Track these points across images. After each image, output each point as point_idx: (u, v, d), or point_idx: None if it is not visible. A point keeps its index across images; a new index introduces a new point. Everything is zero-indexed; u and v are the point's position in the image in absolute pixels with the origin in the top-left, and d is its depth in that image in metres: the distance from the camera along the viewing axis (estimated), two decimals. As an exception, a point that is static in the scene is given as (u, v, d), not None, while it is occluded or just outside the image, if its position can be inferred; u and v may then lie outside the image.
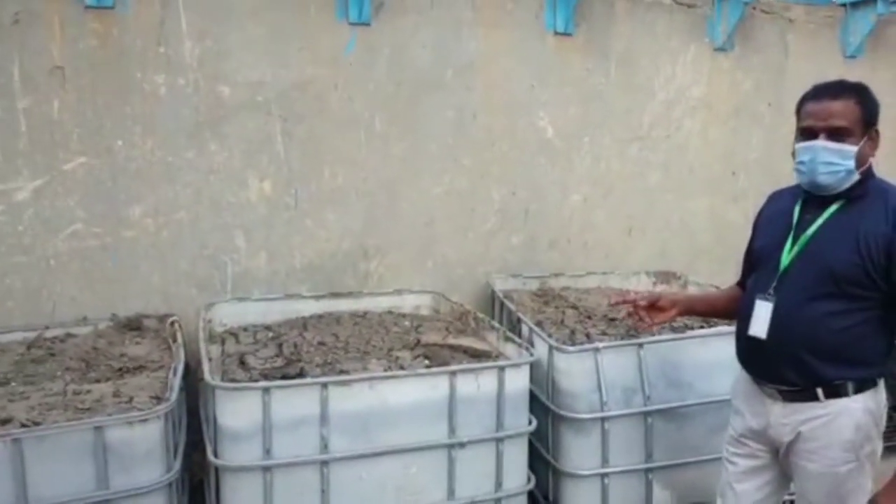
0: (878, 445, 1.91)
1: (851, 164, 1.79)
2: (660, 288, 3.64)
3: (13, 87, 2.70)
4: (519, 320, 2.87)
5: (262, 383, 2.09)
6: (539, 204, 3.57)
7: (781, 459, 1.97)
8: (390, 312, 3.12)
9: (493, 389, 2.30)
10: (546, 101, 3.51)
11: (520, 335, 2.74)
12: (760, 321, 1.89)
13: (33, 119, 2.73)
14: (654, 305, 2.25)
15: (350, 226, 3.23)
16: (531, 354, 2.43)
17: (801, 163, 1.84)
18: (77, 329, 2.70)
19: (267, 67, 3.02)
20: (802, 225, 1.89)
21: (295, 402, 2.07)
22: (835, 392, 1.84)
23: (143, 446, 1.88)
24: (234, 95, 2.99)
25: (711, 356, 2.61)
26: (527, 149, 3.51)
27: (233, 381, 2.17)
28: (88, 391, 2.06)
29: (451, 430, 2.25)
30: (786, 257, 1.88)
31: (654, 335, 2.67)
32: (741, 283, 2.17)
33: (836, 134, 1.79)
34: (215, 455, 2.07)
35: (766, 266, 1.94)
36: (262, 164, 3.06)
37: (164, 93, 2.90)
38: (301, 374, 2.27)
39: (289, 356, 2.46)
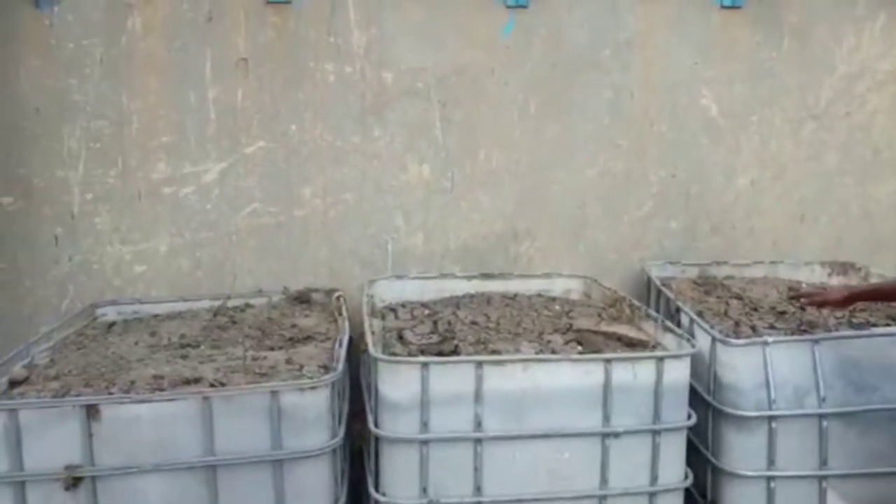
0: None
1: None
2: (835, 281, 3.34)
3: (205, 78, 2.97)
4: (678, 310, 2.75)
5: (422, 358, 2.17)
6: (701, 187, 3.39)
7: None
8: (540, 295, 3.10)
9: (650, 380, 2.23)
10: (710, 78, 3.32)
11: (678, 326, 2.62)
12: None
13: (221, 107, 2.99)
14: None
15: (502, 208, 3.25)
16: (693, 346, 2.33)
17: None
18: (254, 300, 2.93)
19: (427, 53, 3.10)
20: None
21: (451, 379, 2.13)
22: None
23: (313, 412, 2.00)
24: (397, 82, 3.09)
25: (904, 356, 2.36)
26: (688, 129, 3.34)
27: (394, 354, 2.27)
28: (265, 357, 2.24)
29: (605, 419, 2.21)
30: None
31: (830, 330, 2.48)
32: None
33: None
34: (376, 425, 2.18)
35: None
36: (422, 148, 3.15)
37: (333, 80, 3.06)
38: (455, 352, 2.32)
39: (443, 333, 2.52)
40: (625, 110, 3.28)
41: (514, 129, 3.21)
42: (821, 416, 2.37)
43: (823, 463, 2.39)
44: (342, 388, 2.28)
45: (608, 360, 2.21)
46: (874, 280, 3.19)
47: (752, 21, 3.33)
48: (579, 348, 2.43)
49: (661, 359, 2.25)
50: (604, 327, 2.65)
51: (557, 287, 3.20)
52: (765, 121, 3.40)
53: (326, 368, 2.15)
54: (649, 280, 3.15)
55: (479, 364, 2.13)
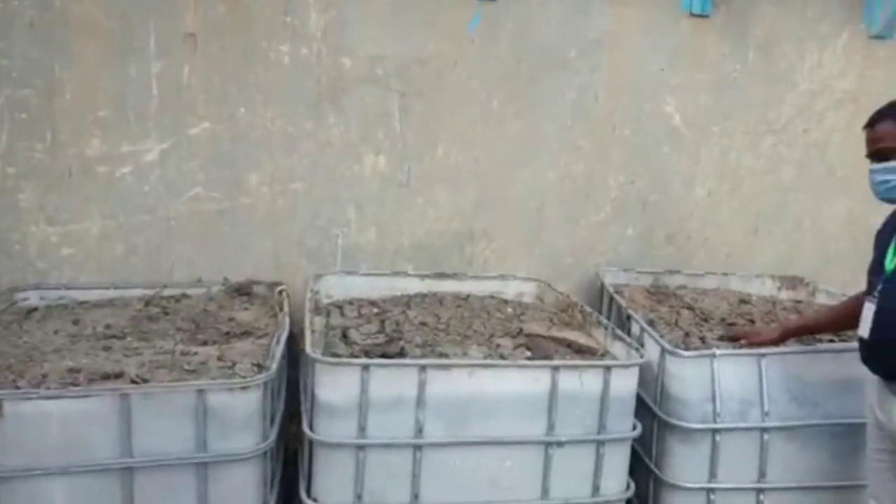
0: None
1: None
2: (784, 294, 3.39)
3: (149, 52, 2.79)
4: (629, 318, 2.72)
5: (362, 360, 2.07)
6: (659, 195, 3.37)
7: None
8: (493, 297, 3.05)
9: (597, 389, 2.18)
10: (675, 86, 3.30)
11: (629, 334, 2.59)
12: (865, 322, 2.03)
13: (164, 83, 2.81)
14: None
15: (460, 206, 3.17)
16: (641, 356, 2.28)
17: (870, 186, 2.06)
18: (191, 290, 2.78)
19: (388, 41, 2.98)
20: None
21: (393, 382, 2.04)
22: None
23: (242, 412, 1.89)
24: (355, 68, 2.97)
25: (843, 373, 2.39)
26: (650, 136, 3.32)
27: (334, 355, 2.16)
28: (195, 353, 2.11)
29: (550, 427, 2.15)
30: (889, 262, 2.00)
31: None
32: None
33: (881, 155, 2.00)
34: (311, 428, 2.07)
35: (875, 274, 2.06)
36: (378, 138, 3.04)
37: (288, 62, 2.92)
38: (401, 354, 2.23)
39: (390, 333, 2.43)
40: (589, 112, 3.23)
41: (475, 125, 3.13)
42: (763, 430, 2.38)
43: (762, 476, 2.40)
44: (276, 388, 2.16)
45: (555, 368, 2.15)
46: (821, 295, 3.29)
47: (720, 31, 3.32)
48: (528, 353, 2.36)
49: (608, 368, 2.20)
50: (554, 332, 2.61)
51: (511, 289, 3.15)
52: (726, 132, 3.41)
53: (260, 367, 2.02)
54: (602, 286, 3.12)
55: (423, 368, 2.04)
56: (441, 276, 3.08)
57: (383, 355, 2.20)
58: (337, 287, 2.92)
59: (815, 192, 3.54)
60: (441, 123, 3.09)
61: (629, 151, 3.30)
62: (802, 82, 3.44)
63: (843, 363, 2.40)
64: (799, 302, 3.27)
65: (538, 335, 2.55)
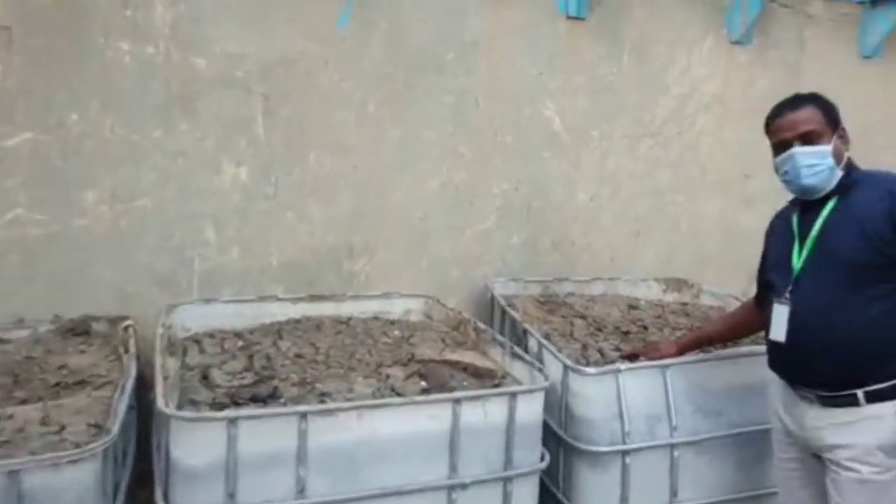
0: None
1: (831, 161, 1.86)
2: (670, 297, 3.39)
3: (-51, 48, 2.32)
4: (525, 332, 2.55)
5: (228, 412, 1.72)
6: (543, 201, 3.28)
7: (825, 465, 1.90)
8: (377, 319, 2.80)
9: (502, 419, 1.97)
10: (554, 89, 3.23)
11: (526, 349, 2.42)
12: (779, 325, 1.92)
13: (-29, 86, 2.35)
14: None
15: (335, 219, 2.90)
16: (546, 378, 2.10)
17: (786, 172, 1.92)
18: (10, 333, 2.30)
19: (249, 39, 2.68)
20: (804, 229, 1.93)
21: (267, 435, 1.71)
22: (877, 395, 1.79)
23: (73, 492, 1.49)
24: (210, 69, 2.64)
25: (741, 379, 2.35)
26: (532, 141, 3.22)
27: (192, 402, 1.80)
28: (10, 416, 1.67)
29: (452, 468, 1.91)
30: (797, 261, 1.91)
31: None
32: (757, 300, 2.18)
33: (808, 138, 1.88)
34: (166, 500, 1.69)
35: (780, 274, 1.96)
36: (240, 146, 2.71)
37: (130, 62, 2.54)
38: (274, 396, 1.91)
39: (260, 371, 2.10)
40: (469, 117, 3.09)
41: (350, 130, 2.88)
42: (672, 447, 2.28)
43: (674, 495, 2.30)
44: (121, 453, 1.77)
45: (457, 401, 1.92)
46: (705, 297, 3.32)
47: (596, 34, 3.31)
48: (422, 383, 2.12)
49: (513, 395, 2.00)
50: (448, 355, 2.38)
51: (397, 308, 2.92)
52: (605, 136, 3.39)
53: (99, 428, 1.63)
54: (493, 298, 2.96)
55: (304, 416, 1.74)
56: (317, 298, 2.79)
57: (252, 398, 1.88)
58: (195, 318, 2.54)
59: (689, 194, 3.60)
60: (312, 129, 2.82)
61: (511, 157, 3.20)
62: (674, 85, 3.50)
63: (739, 369, 2.37)
64: (685, 304, 3.26)
65: (431, 360, 2.31)
